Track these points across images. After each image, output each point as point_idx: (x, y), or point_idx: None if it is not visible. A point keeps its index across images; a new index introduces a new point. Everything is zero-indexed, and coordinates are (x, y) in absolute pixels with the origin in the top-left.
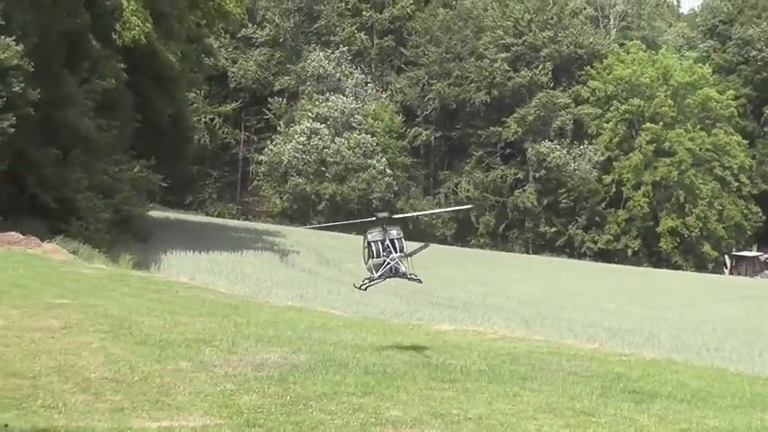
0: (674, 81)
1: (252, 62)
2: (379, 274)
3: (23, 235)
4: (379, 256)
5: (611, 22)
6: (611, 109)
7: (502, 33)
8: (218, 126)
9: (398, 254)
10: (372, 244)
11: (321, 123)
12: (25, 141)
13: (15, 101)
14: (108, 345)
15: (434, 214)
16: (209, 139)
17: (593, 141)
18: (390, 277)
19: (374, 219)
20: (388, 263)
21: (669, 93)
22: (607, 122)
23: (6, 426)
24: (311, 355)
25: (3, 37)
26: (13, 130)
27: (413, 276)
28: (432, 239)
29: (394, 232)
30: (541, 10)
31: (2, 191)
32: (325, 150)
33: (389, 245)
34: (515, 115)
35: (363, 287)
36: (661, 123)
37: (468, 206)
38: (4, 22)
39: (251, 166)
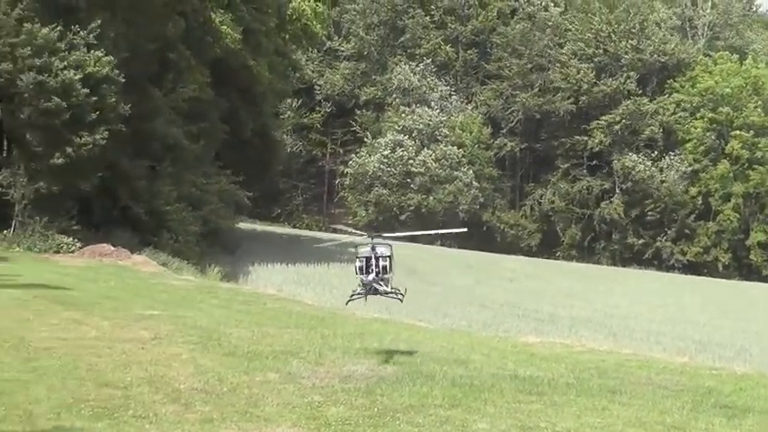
0: (766, 91)
1: (338, 75)
2: (358, 291)
3: (114, 247)
4: (363, 273)
5: (699, 31)
6: (698, 116)
7: (583, 45)
8: (304, 138)
9: (371, 276)
10: (358, 260)
11: (406, 135)
12: (117, 154)
13: (107, 114)
14: (197, 356)
15: (429, 234)
16: (296, 152)
17: (681, 149)
18: (371, 294)
19: (364, 235)
20: (365, 283)
21: (760, 103)
22: (695, 129)
23: None
24: (398, 367)
25: (94, 51)
26: (105, 142)
27: (394, 294)
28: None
29: (381, 249)
30: (623, 20)
31: (95, 203)
32: (410, 162)
33: (374, 263)
34: (601, 122)
35: (346, 302)
36: (751, 132)
37: (462, 230)
38: (96, 42)
39: (337, 179)
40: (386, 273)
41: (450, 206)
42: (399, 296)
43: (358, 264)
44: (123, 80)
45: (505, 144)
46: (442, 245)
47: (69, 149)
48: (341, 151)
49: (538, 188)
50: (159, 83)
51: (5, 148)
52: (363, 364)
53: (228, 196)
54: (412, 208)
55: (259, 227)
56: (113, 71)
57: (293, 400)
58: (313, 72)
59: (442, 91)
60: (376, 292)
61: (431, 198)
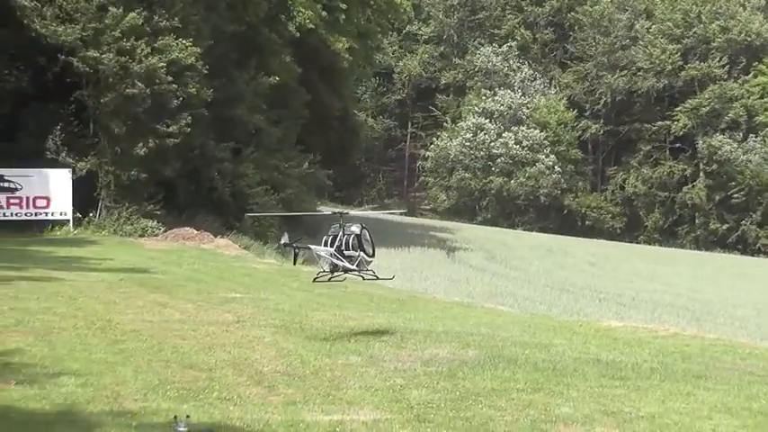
0: None
1: (418, 58)
2: (324, 269)
3: (197, 230)
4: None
5: None
6: None
7: (671, 25)
8: (384, 122)
9: (327, 248)
10: (325, 238)
11: (487, 118)
12: (201, 139)
13: (191, 100)
14: (279, 339)
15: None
16: (376, 136)
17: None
18: (339, 271)
19: (331, 214)
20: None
21: None
22: None
23: (188, 417)
24: (480, 350)
25: (180, 39)
26: (189, 129)
27: (366, 273)
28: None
29: (353, 228)
30: (710, 1)
31: (179, 187)
32: (492, 145)
33: (343, 240)
34: (686, 105)
35: (313, 279)
36: None
37: (402, 210)
38: (180, 25)
39: (417, 163)
40: (348, 248)
41: (531, 189)
42: (370, 273)
43: (323, 239)
44: (207, 70)
45: (589, 126)
46: (522, 229)
47: (153, 139)
48: (422, 134)
49: (620, 171)
50: (242, 67)
51: (92, 134)
52: (445, 348)
53: (310, 180)
54: (493, 192)
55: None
56: (198, 61)
57: (375, 383)
58: (393, 56)
59: (525, 73)
60: (336, 268)
61: (512, 182)
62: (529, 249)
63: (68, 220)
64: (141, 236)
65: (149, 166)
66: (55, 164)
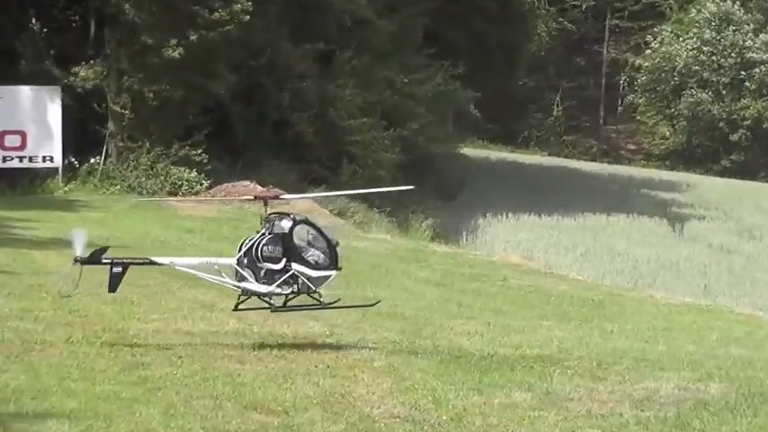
0: None
1: None
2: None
3: (262, 186)
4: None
5: None
6: None
7: None
8: (568, 11)
9: (206, 260)
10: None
11: (738, 2)
12: (269, 36)
13: None
14: (397, 362)
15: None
16: (555, 33)
17: None
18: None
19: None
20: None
21: None
22: None
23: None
24: (729, 384)
25: None
26: (248, 18)
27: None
28: None
29: (283, 223)
30: None
31: (232, 116)
32: (747, 47)
33: (255, 244)
34: None
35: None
36: None
37: (410, 187)
38: None
39: (621, 77)
40: (262, 261)
41: None
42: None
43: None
44: None
45: None
46: None
47: (193, 33)
48: (630, 29)
49: None
50: None
51: (95, 27)
52: (671, 380)
53: (445, 104)
54: (747, 122)
55: (494, 154)
56: None
57: None
58: None
59: None
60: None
61: None
62: None
63: (56, 170)
64: (172, 193)
65: (186, 81)
66: (34, 78)
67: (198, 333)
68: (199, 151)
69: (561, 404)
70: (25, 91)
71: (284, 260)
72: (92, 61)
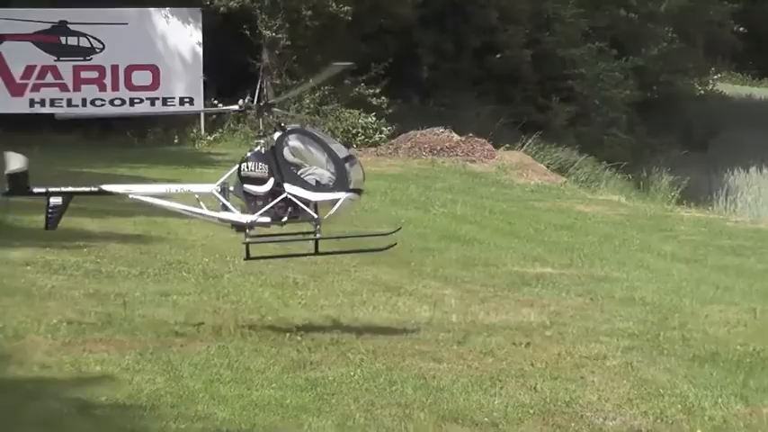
0: None
1: None
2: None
3: (461, 135)
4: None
5: None
6: None
7: None
8: None
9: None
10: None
11: None
12: None
13: None
14: (637, 360)
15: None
16: None
17: None
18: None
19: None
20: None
21: None
22: None
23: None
24: None
25: None
26: None
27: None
28: None
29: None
30: None
31: (423, 42)
32: None
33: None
34: None
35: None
36: None
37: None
38: None
39: None
40: (242, 182)
41: None
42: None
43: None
44: None
45: None
46: None
47: None
48: None
49: None
50: None
51: None
52: None
53: (695, 23)
54: None
55: (760, 92)
56: None
57: None
58: None
59: None
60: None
61: None
62: None
63: (196, 115)
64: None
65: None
66: None
67: (381, 323)
68: (377, 89)
69: None
70: (155, 15)
71: (272, 181)
72: None
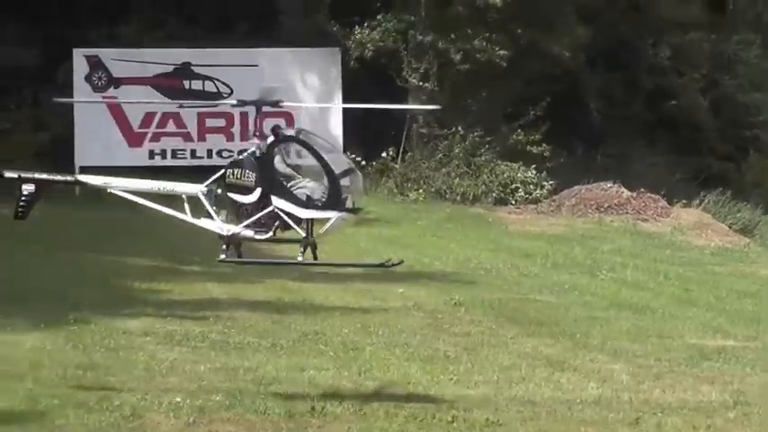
0: None
1: None
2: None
3: (631, 191)
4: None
5: None
6: None
7: None
8: None
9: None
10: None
11: None
12: None
13: None
14: None
15: None
16: None
17: None
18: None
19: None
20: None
21: None
22: None
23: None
24: None
25: None
26: None
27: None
28: None
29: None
30: None
31: (587, 87)
32: None
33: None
34: None
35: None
36: None
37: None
38: None
39: None
40: (226, 189)
41: None
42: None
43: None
44: None
45: None
46: None
47: None
48: None
49: None
50: None
51: None
52: None
53: None
54: None
55: None
56: None
57: None
58: None
59: None
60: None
61: None
62: None
63: None
64: (501, 203)
65: (514, 36)
66: (299, 38)
67: (542, 402)
68: (536, 136)
69: None
70: (290, 55)
71: (259, 191)
72: (380, 15)
